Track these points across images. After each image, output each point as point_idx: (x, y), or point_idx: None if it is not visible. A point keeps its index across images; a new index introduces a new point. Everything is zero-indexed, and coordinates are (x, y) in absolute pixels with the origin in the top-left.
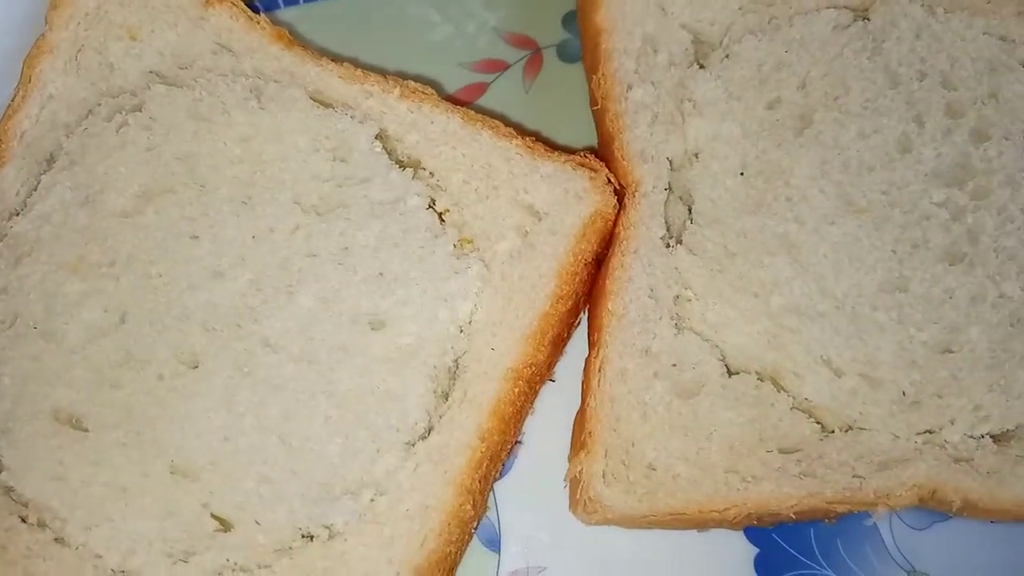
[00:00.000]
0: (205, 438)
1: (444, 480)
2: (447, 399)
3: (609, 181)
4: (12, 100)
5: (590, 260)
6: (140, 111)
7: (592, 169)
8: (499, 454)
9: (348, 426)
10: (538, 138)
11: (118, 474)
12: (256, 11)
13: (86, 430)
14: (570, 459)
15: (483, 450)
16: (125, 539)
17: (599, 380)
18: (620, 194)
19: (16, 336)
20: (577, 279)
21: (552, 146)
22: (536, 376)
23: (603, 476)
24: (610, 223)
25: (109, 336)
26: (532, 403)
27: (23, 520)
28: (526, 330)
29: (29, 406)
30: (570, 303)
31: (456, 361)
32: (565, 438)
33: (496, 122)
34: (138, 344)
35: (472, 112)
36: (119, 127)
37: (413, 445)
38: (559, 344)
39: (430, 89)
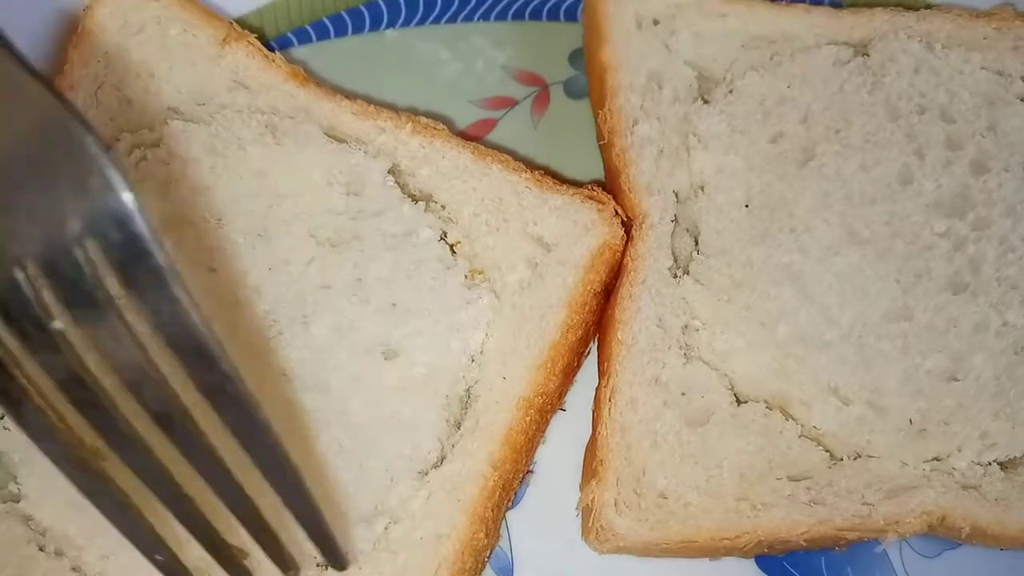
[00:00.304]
0: None
1: (457, 509)
2: (459, 428)
3: (617, 213)
4: None
5: (599, 290)
6: (158, 146)
7: (600, 202)
8: (511, 482)
9: (362, 455)
10: (547, 172)
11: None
12: (271, 49)
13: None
14: (581, 488)
15: (496, 479)
16: (142, 568)
17: (609, 409)
18: (628, 226)
19: None
20: (586, 309)
21: (560, 180)
22: (547, 405)
23: (615, 504)
24: (618, 254)
25: None
26: (543, 432)
27: (41, 549)
28: (537, 359)
29: None
30: (580, 332)
31: (468, 390)
32: (576, 467)
33: (506, 156)
34: None
35: (482, 147)
36: (138, 162)
37: (426, 474)
38: (569, 373)
39: (441, 125)
